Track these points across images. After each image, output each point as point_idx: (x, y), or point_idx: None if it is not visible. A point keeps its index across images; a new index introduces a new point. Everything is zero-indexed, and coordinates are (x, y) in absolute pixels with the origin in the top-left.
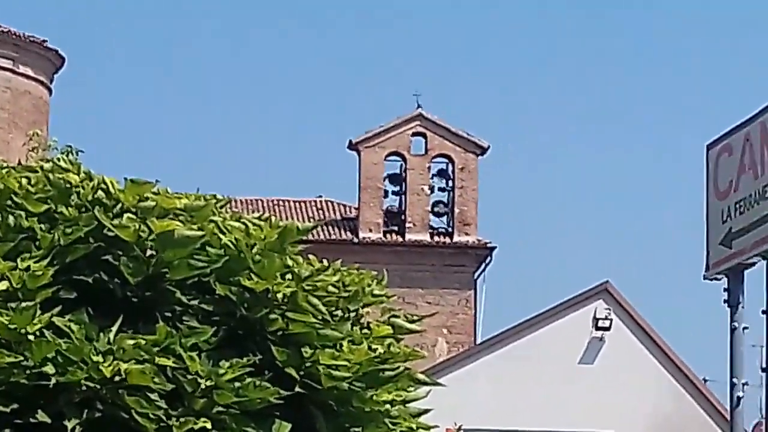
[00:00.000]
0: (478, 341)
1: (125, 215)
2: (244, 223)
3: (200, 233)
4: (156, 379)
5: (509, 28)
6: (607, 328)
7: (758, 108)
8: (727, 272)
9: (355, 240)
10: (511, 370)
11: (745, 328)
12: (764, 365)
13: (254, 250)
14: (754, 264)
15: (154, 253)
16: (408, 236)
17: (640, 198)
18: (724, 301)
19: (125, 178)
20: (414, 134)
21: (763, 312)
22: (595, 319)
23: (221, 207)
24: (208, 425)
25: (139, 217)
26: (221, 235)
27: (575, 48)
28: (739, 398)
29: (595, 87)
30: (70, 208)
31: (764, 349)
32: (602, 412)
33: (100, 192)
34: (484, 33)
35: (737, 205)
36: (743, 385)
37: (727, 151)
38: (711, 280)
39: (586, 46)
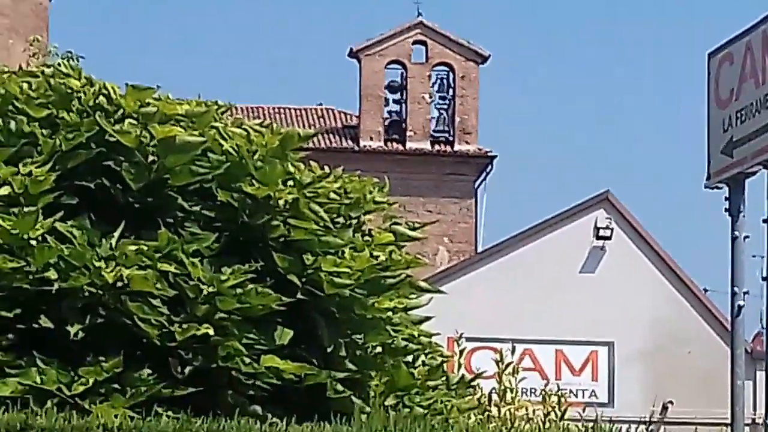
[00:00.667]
0: (479, 250)
1: (126, 121)
2: (245, 130)
3: (201, 139)
4: (158, 285)
5: None
6: (608, 238)
7: (760, 16)
8: (728, 181)
9: (356, 148)
10: (511, 279)
11: (746, 237)
12: (765, 275)
13: (256, 157)
14: (755, 173)
15: (155, 159)
16: (409, 145)
17: (641, 107)
18: (725, 210)
19: (126, 84)
20: (414, 42)
21: (764, 221)
22: (596, 228)
23: (222, 114)
24: (210, 331)
25: (140, 123)
26: (222, 142)
27: None
28: (740, 307)
29: None
30: (71, 114)
31: (765, 259)
32: (603, 322)
33: (101, 98)
34: None
35: (738, 114)
36: (744, 294)
37: (728, 60)
38: (712, 188)
39: None
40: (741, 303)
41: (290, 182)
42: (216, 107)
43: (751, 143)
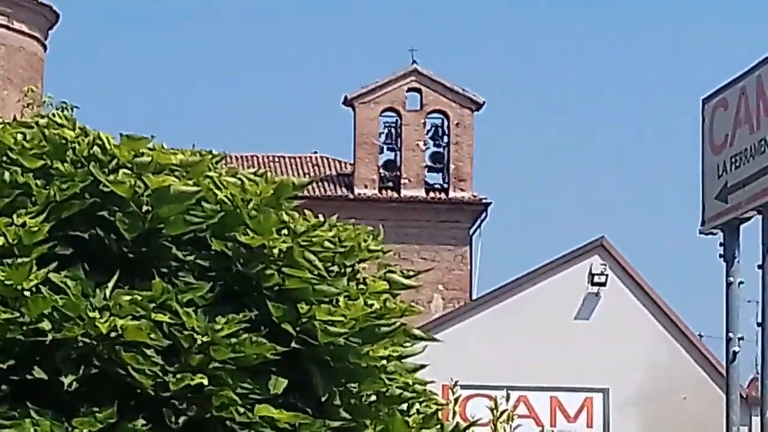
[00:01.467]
0: (474, 297)
1: (121, 171)
2: (239, 179)
3: (196, 189)
4: (152, 335)
5: None
6: (603, 284)
7: (754, 62)
8: (723, 227)
9: (351, 196)
10: (506, 326)
11: (740, 282)
12: (760, 320)
13: (250, 206)
14: (749, 218)
15: (149, 208)
16: (403, 192)
17: (636, 153)
18: (720, 256)
19: (120, 134)
20: (409, 90)
21: (759, 267)
22: (591, 275)
23: (217, 163)
24: (205, 381)
25: (134, 173)
26: (217, 191)
27: (571, 1)
28: (735, 353)
29: (592, 42)
30: (65, 164)
31: (760, 304)
32: (598, 368)
33: (95, 148)
34: None
35: (733, 159)
36: (739, 339)
37: (722, 105)
38: (707, 234)
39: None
40: (736, 349)
41: (284, 231)
42: (210, 156)
43: (746, 189)
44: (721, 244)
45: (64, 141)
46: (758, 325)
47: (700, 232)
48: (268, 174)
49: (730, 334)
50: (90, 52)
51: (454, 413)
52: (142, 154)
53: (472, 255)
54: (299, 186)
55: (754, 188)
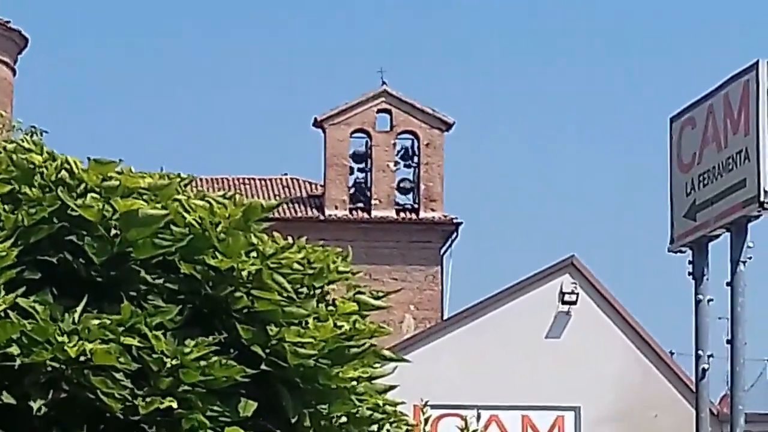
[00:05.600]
0: (445, 317)
1: (89, 195)
2: (208, 202)
3: (164, 212)
4: (121, 359)
5: (472, 2)
6: (574, 303)
7: (721, 80)
8: (692, 244)
9: (321, 217)
10: (477, 346)
11: (710, 300)
12: (729, 337)
13: (218, 229)
14: (718, 236)
15: (118, 232)
16: (374, 213)
17: (604, 172)
18: (689, 274)
19: (88, 158)
20: (379, 111)
21: (728, 284)
22: (562, 294)
23: (185, 186)
24: (174, 404)
25: (102, 197)
26: (185, 214)
27: (539, 21)
28: (704, 370)
29: (559, 61)
30: (33, 189)
31: (729, 321)
32: (570, 387)
33: (63, 172)
34: (447, 8)
35: (701, 178)
36: (708, 357)
37: (690, 124)
38: (675, 252)
39: (550, 19)
40: (705, 366)
41: (253, 253)
42: (179, 179)
43: (714, 206)
44: (690, 262)
45: (31, 165)
46: (727, 342)
47: (669, 250)
48: (237, 197)
49: (700, 352)
50: (58, 76)
51: None
52: (110, 178)
53: (443, 275)
54: (268, 208)
55: (722, 206)
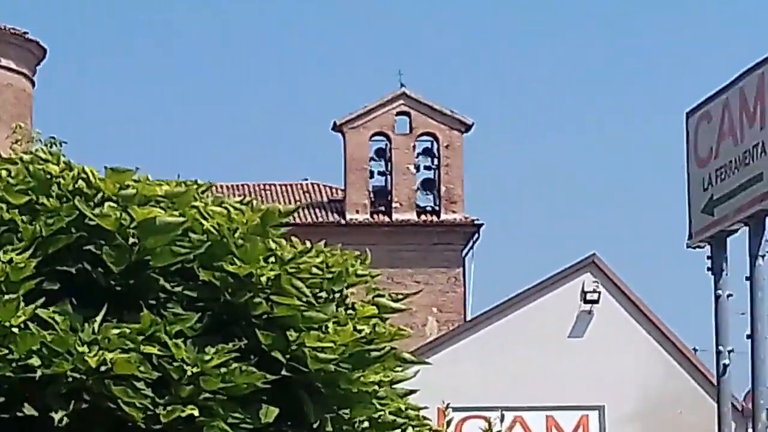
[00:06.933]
0: (468, 319)
1: (106, 204)
2: (225, 208)
3: (182, 219)
4: (142, 368)
5: (492, 3)
6: (596, 301)
7: (737, 74)
8: (710, 240)
9: (342, 222)
10: (500, 347)
11: (729, 295)
12: (749, 332)
13: (236, 235)
14: (736, 230)
15: (136, 241)
16: (395, 216)
17: (623, 169)
18: (708, 269)
19: (105, 167)
20: (398, 113)
21: (747, 278)
22: (584, 293)
23: (202, 192)
24: (195, 412)
25: (120, 206)
26: (203, 221)
27: (558, 21)
28: (725, 366)
29: (578, 60)
30: (51, 199)
31: (749, 316)
32: (593, 386)
33: (80, 182)
34: (467, 9)
35: (718, 172)
36: (729, 352)
37: (706, 118)
38: (694, 248)
39: (566, 19)
40: (726, 362)
41: (272, 259)
42: (196, 186)
43: (732, 201)
44: (708, 257)
45: (49, 176)
46: (747, 337)
47: (688, 246)
48: (254, 202)
49: (720, 347)
50: (77, 86)
51: None
52: (127, 187)
53: (465, 277)
54: (285, 213)
55: (740, 200)
